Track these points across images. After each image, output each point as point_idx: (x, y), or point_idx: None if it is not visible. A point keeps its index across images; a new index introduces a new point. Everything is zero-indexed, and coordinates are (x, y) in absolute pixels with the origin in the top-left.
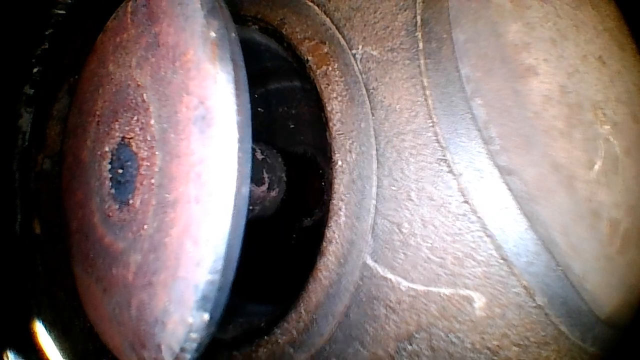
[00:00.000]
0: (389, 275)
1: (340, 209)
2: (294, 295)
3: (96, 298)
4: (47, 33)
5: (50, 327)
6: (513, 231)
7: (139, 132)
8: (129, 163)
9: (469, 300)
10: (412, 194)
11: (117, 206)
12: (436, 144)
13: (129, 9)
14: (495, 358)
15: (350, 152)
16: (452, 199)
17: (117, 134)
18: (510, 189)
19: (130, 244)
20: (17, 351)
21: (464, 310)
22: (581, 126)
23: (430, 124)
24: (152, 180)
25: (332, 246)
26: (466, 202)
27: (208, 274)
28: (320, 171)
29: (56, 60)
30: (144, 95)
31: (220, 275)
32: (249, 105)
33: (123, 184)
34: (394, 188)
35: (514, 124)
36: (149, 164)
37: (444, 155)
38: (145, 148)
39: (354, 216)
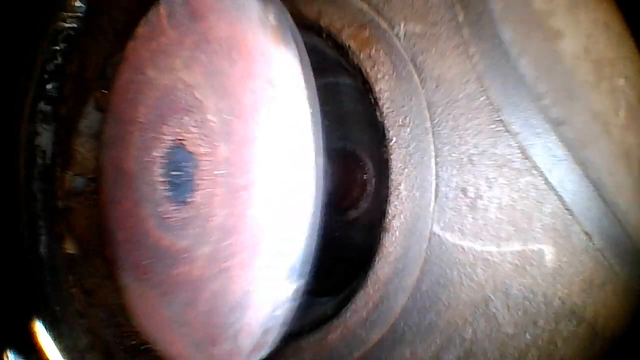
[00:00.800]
0: (460, 241)
1: (400, 184)
2: (353, 283)
3: (153, 305)
4: (58, 48)
5: (90, 350)
6: (571, 180)
7: (194, 131)
8: (185, 163)
9: (540, 253)
10: (474, 157)
11: (174, 207)
12: (490, 107)
13: (163, 13)
14: (565, 305)
15: (403, 126)
16: (513, 157)
17: (168, 137)
18: (563, 140)
19: (195, 240)
20: (17, 351)
21: (535, 264)
22: (605, 80)
23: (482, 89)
24: (218, 172)
25: (396, 221)
26: (526, 158)
27: (294, 244)
28: (361, 163)
29: (75, 75)
30: (196, 93)
31: (305, 244)
32: (314, 82)
33: (180, 185)
34: (454, 155)
35: (557, 79)
36: (211, 158)
37: (499, 117)
38: (204, 144)
39: (415, 189)
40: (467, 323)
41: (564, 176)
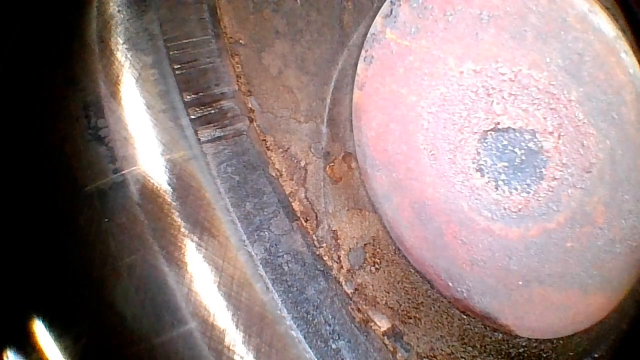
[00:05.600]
0: None
1: None
2: None
3: (547, 299)
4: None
5: None
6: None
7: (504, 106)
8: (511, 143)
9: None
10: None
11: (524, 194)
12: None
13: (393, 36)
14: None
15: None
16: None
17: (470, 140)
18: None
19: (578, 200)
20: (17, 350)
21: None
22: None
23: None
24: (577, 116)
25: None
26: None
27: None
28: None
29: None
30: (498, 67)
31: None
32: None
33: (516, 170)
34: None
35: None
36: (562, 109)
37: None
38: (536, 106)
39: None
40: None
41: None
